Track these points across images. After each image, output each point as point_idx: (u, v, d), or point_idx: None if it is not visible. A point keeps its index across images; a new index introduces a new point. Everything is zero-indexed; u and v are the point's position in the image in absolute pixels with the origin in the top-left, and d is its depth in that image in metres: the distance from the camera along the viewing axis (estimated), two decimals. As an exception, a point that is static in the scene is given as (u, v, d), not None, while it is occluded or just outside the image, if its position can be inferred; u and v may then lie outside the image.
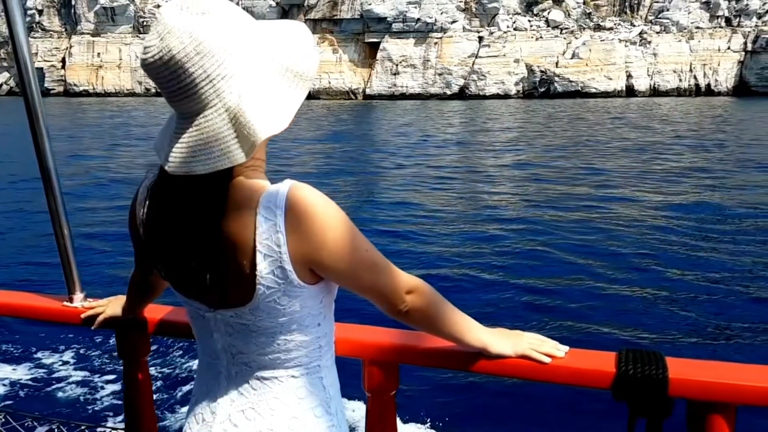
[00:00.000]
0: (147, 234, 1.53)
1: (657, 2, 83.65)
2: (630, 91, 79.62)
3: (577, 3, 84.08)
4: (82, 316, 2.29)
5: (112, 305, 2.24)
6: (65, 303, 2.39)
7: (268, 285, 1.42)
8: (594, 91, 78.34)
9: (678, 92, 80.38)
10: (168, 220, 1.46)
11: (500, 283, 10.04)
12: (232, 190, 1.41)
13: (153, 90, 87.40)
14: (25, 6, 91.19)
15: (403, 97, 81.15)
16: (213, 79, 1.30)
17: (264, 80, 1.36)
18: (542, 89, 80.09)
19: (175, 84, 1.31)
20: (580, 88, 78.62)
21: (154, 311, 2.26)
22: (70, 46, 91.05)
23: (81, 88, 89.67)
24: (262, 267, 1.40)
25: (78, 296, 2.39)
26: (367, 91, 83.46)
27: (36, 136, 2.27)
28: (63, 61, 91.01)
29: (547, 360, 1.77)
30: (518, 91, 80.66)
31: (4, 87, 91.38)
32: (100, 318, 2.24)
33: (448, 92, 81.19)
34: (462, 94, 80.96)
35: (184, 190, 1.41)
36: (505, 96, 79.21)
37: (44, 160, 2.29)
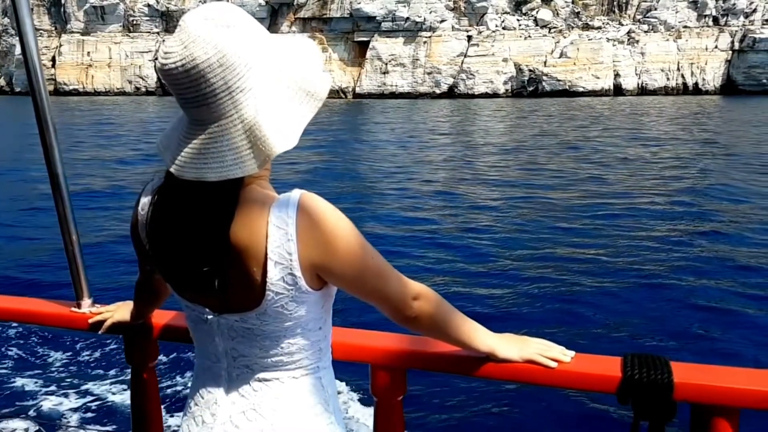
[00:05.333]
0: (152, 237, 1.55)
1: (645, 2, 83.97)
2: (618, 90, 79.92)
3: (566, 2, 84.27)
4: (90, 321, 2.30)
5: (120, 311, 2.26)
6: (73, 309, 2.39)
7: (278, 291, 1.44)
8: (582, 90, 78.63)
9: (666, 91, 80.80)
10: (176, 224, 1.47)
11: (503, 287, 9.95)
12: (242, 198, 1.43)
13: (143, 89, 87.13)
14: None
15: (393, 96, 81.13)
16: (232, 91, 1.33)
17: (279, 96, 1.39)
18: (531, 88, 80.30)
19: (193, 92, 1.33)
20: (568, 87, 78.89)
21: (162, 316, 2.26)
22: (60, 45, 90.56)
23: (71, 87, 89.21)
24: (273, 274, 1.42)
25: (86, 302, 2.39)
26: (357, 90, 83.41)
27: (45, 143, 2.27)
28: (53, 60, 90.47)
29: (554, 365, 1.79)
30: (507, 90, 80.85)
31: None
32: (108, 323, 2.25)
33: (438, 91, 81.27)
34: (451, 93, 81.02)
35: (194, 196, 1.43)
36: (494, 95, 79.35)
37: (53, 166, 2.29)
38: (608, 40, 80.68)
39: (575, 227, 13.90)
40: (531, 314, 8.89)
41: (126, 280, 9.73)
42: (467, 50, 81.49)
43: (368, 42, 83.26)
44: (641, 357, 1.75)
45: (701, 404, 1.70)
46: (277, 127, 1.36)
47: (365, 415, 5.81)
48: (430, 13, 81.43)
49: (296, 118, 1.40)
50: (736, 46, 79.99)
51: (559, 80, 79.36)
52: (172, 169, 1.42)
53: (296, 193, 1.45)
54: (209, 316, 1.55)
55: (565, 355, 1.82)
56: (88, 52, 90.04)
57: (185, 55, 1.30)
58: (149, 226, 1.55)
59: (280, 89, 1.39)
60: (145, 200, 1.59)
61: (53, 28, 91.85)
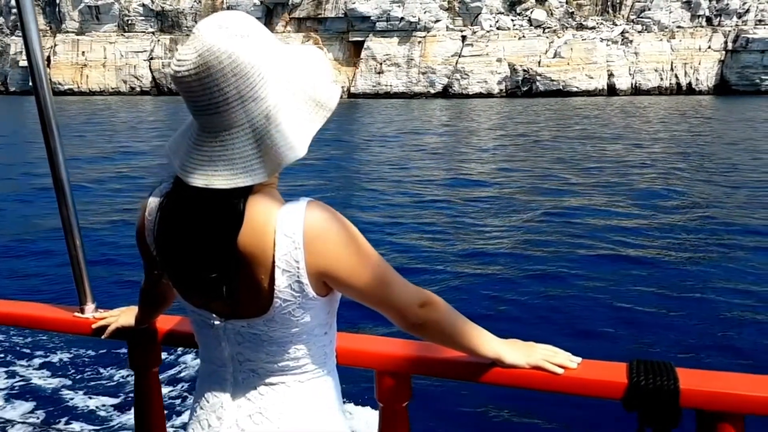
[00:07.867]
0: (159, 243, 1.55)
1: (639, 2, 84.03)
2: (612, 90, 79.97)
3: (560, 2, 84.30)
4: (93, 326, 2.30)
5: (124, 316, 2.26)
6: (76, 314, 2.39)
7: (285, 298, 1.45)
8: (576, 90, 78.64)
9: (659, 91, 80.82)
10: (184, 230, 1.47)
11: (507, 293, 9.89)
12: (250, 206, 1.44)
13: (138, 89, 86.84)
14: (9, 4, 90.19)
15: (388, 95, 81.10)
16: (245, 100, 1.34)
17: (290, 106, 1.40)
18: (525, 88, 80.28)
19: (205, 99, 1.34)
20: (561, 87, 78.90)
21: (165, 321, 2.26)
22: (55, 45, 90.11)
23: (65, 87, 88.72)
24: (281, 282, 1.43)
25: (89, 307, 2.39)
26: (352, 89, 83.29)
27: (49, 146, 2.26)
28: (48, 59, 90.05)
29: (560, 371, 1.80)
30: (501, 90, 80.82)
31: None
32: (111, 328, 2.25)
33: (432, 91, 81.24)
34: (446, 93, 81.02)
35: (203, 202, 1.43)
36: (488, 95, 79.37)
37: (57, 169, 2.28)
38: (602, 40, 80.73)
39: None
40: (537, 319, 8.86)
41: (131, 284, 9.64)
42: (462, 50, 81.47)
43: (363, 42, 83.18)
44: (647, 363, 1.75)
45: (707, 411, 1.70)
46: (288, 137, 1.37)
47: (370, 421, 5.77)
48: (425, 13, 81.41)
49: (306, 128, 1.41)
50: (730, 46, 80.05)
51: (553, 80, 79.39)
52: (180, 175, 1.43)
53: (303, 201, 1.46)
54: (216, 322, 1.56)
55: (572, 361, 1.83)
56: (83, 52, 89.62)
57: (199, 64, 1.31)
58: (157, 231, 1.55)
59: (292, 99, 1.40)
60: (152, 205, 1.59)
61: (48, 28, 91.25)
